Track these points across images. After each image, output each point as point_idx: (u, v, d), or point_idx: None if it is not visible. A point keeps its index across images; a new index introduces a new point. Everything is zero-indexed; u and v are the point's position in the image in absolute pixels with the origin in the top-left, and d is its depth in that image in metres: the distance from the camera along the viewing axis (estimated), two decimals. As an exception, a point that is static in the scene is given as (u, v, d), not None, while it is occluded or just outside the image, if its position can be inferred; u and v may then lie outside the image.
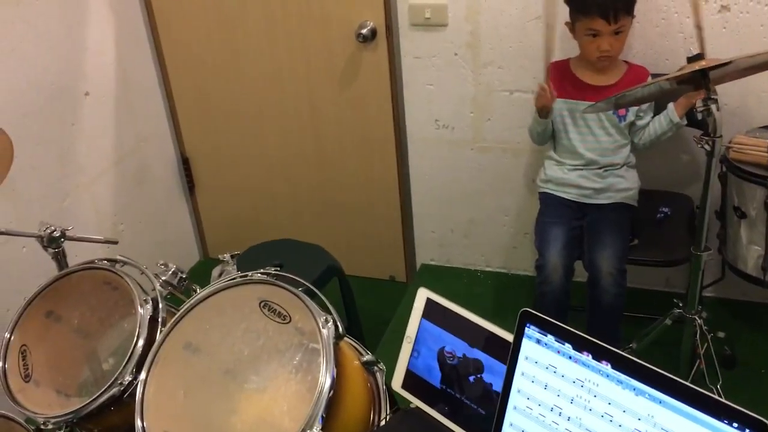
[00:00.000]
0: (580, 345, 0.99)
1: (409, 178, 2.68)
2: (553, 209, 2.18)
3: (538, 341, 1.04)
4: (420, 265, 2.88)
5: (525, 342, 1.07)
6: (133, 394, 1.40)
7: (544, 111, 2.09)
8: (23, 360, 1.52)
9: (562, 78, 2.13)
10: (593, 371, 0.98)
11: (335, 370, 1.30)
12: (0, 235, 1.68)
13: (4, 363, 1.51)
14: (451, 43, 2.38)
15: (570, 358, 1.00)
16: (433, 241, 2.81)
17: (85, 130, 2.43)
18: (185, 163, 2.92)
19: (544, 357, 1.04)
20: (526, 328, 1.07)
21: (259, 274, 1.45)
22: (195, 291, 1.62)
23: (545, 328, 1.02)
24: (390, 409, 1.49)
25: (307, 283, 1.45)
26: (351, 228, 2.82)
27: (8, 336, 1.53)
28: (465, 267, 2.82)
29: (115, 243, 1.79)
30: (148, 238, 2.77)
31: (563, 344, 1.00)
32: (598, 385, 0.97)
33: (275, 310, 1.38)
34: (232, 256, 1.66)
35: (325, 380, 1.28)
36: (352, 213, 2.78)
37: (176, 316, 1.45)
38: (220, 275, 1.65)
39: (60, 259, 1.72)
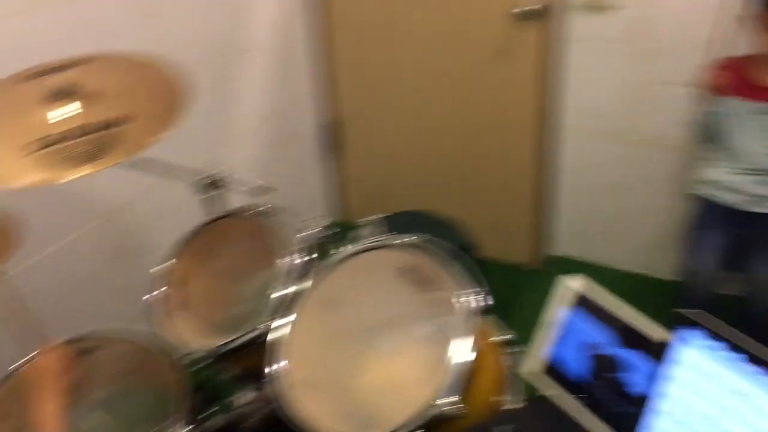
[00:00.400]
0: (757, 358, 0.92)
1: (552, 166, 2.61)
2: (708, 214, 2.05)
3: (704, 347, 0.98)
4: (552, 255, 2.81)
5: (685, 346, 1.01)
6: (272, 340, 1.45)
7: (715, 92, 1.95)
8: (178, 289, 1.62)
9: (736, 76, 1.99)
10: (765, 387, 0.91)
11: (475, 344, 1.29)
12: (160, 177, 1.77)
13: (162, 289, 1.61)
14: (616, 28, 2.27)
15: (740, 369, 0.94)
16: (570, 232, 2.73)
17: (241, 85, 2.53)
18: (334, 127, 2.97)
19: (707, 364, 0.98)
20: (690, 332, 1.01)
21: (406, 239, 1.45)
22: (336, 249, 1.65)
23: (718, 334, 0.96)
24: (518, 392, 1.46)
25: (456, 254, 1.43)
26: (485, 209, 2.78)
27: (170, 263, 1.63)
28: (601, 263, 2.73)
29: (271, 192, 1.85)
30: (289, 198, 2.84)
31: (736, 354, 0.94)
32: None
33: (419, 276, 1.39)
34: (378, 219, 1.68)
35: (465, 351, 1.27)
36: (487, 194, 2.75)
37: (320, 271, 1.49)
38: (364, 237, 1.68)
39: (214, 204, 1.79)
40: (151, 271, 1.90)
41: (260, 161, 2.69)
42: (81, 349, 1.61)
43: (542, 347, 1.35)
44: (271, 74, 2.64)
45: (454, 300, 1.33)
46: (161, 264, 1.68)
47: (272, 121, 2.71)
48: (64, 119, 1.42)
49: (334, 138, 2.99)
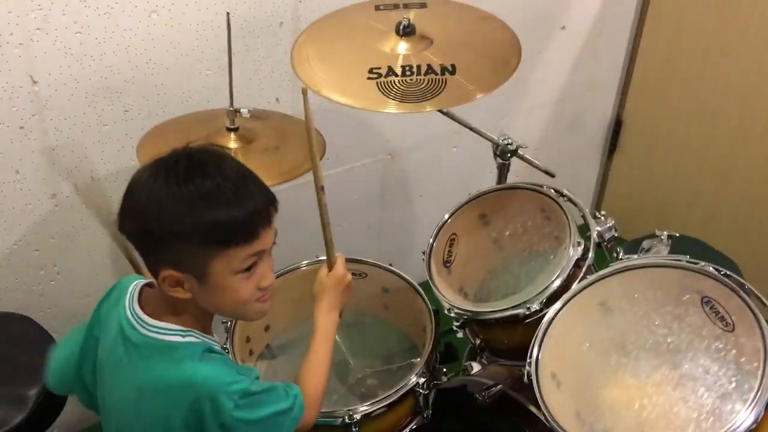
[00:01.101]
0: None
1: None
2: None
3: None
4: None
5: None
6: (534, 322, 1.41)
7: None
8: (449, 246, 1.64)
9: None
10: None
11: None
12: (462, 133, 1.79)
13: (434, 241, 1.63)
14: None
15: None
16: None
17: (546, 63, 2.47)
18: (616, 125, 2.83)
19: None
20: None
21: (710, 268, 1.33)
22: (618, 253, 1.56)
23: None
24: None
25: (761, 296, 1.28)
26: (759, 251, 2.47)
27: (446, 218, 1.65)
28: None
29: (553, 176, 1.81)
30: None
31: None
32: None
33: (717, 311, 1.26)
34: (669, 236, 1.56)
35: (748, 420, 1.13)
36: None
37: (602, 272, 1.42)
38: (648, 250, 1.57)
39: (503, 171, 1.78)
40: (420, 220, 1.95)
41: (541, 143, 2.64)
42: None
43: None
44: (578, 58, 2.55)
45: (758, 349, 1.19)
46: (437, 216, 1.71)
47: (563, 106, 2.64)
48: (408, 55, 1.48)
49: (613, 138, 2.85)
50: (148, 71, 1.71)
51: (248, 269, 1.03)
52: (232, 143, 1.59)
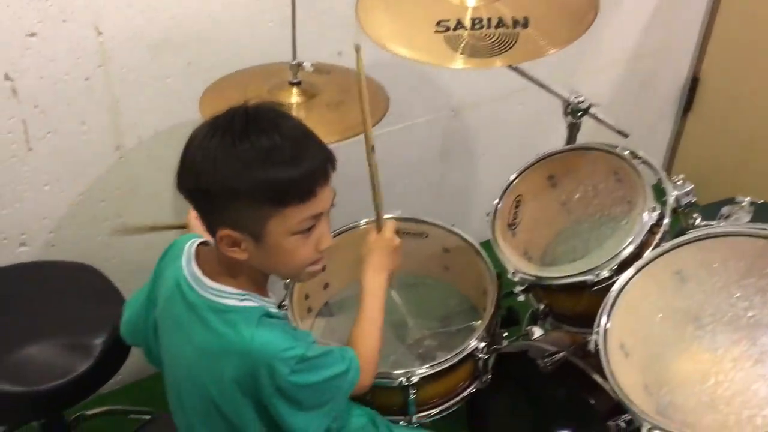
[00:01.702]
0: None
1: None
2: None
3: None
4: None
5: None
6: (601, 290, 1.36)
7: None
8: (515, 208, 1.58)
9: None
10: None
11: None
12: (529, 89, 1.71)
13: (499, 202, 1.58)
14: None
15: None
16: None
17: (622, 16, 2.34)
18: (693, 83, 2.68)
19: None
20: None
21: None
22: (694, 220, 1.48)
23: None
24: None
25: None
26: None
27: (512, 179, 1.59)
28: None
29: (627, 136, 1.71)
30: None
31: None
32: None
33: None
34: (751, 203, 1.47)
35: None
36: None
37: (678, 239, 1.34)
38: (727, 217, 1.48)
39: (574, 130, 1.70)
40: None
41: (612, 102, 2.52)
42: (406, 230, 1.66)
43: None
44: (655, 13, 2.42)
45: None
46: (499, 176, 1.65)
47: (636, 63, 2.51)
48: (478, 7, 1.41)
49: (689, 96, 2.70)
50: (211, 24, 1.68)
51: (306, 231, 1.01)
52: (294, 98, 1.57)
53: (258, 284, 1.08)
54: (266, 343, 0.99)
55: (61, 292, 1.53)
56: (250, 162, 0.94)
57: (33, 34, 1.51)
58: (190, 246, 1.10)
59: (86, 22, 1.54)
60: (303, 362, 1.00)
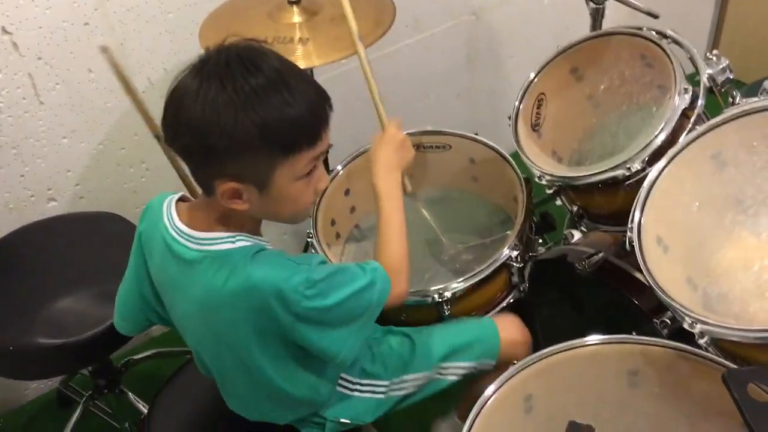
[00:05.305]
0: None
1: None
2: None
3: None
4: None
5: None
6: (635, 184, 1.27)
7: None
8: (537, 108, 1.49)
9: None
10: None
11: None
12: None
13: (520, 103, 1.49)
14: None
15: None
16: None
17: None
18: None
19: None
20: None
21: None
22: (734, 98, 1.36)
23: None
24: None
25: None
26: None
27: (532, 77, 1.49)
28: None
29: (656, 17, 1.58)
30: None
31: None
32: None
33: None
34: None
35: None
36: None
37: (714, 120, 1.24)
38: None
39: (597, 17, 1.58)
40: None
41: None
42: (427, 143, 1.60)
43: None
44: None
45: None
46: (523, 75, 1.55)
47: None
48: None
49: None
50: (204, -50, 1.61)
51: (308, 174, 0.98)
52: (296, 17, 1.50)
53: (249, 227, 1.04)
54: (266, 275, 0.96)
55: (89, 243, 1.54)
56: (258, 109, 0.89)
57: (23, -17, 1.47)
58: (169, 204, 1.06)
59: (76, -38, 1.50)
60: (313, 286, 0.97)
